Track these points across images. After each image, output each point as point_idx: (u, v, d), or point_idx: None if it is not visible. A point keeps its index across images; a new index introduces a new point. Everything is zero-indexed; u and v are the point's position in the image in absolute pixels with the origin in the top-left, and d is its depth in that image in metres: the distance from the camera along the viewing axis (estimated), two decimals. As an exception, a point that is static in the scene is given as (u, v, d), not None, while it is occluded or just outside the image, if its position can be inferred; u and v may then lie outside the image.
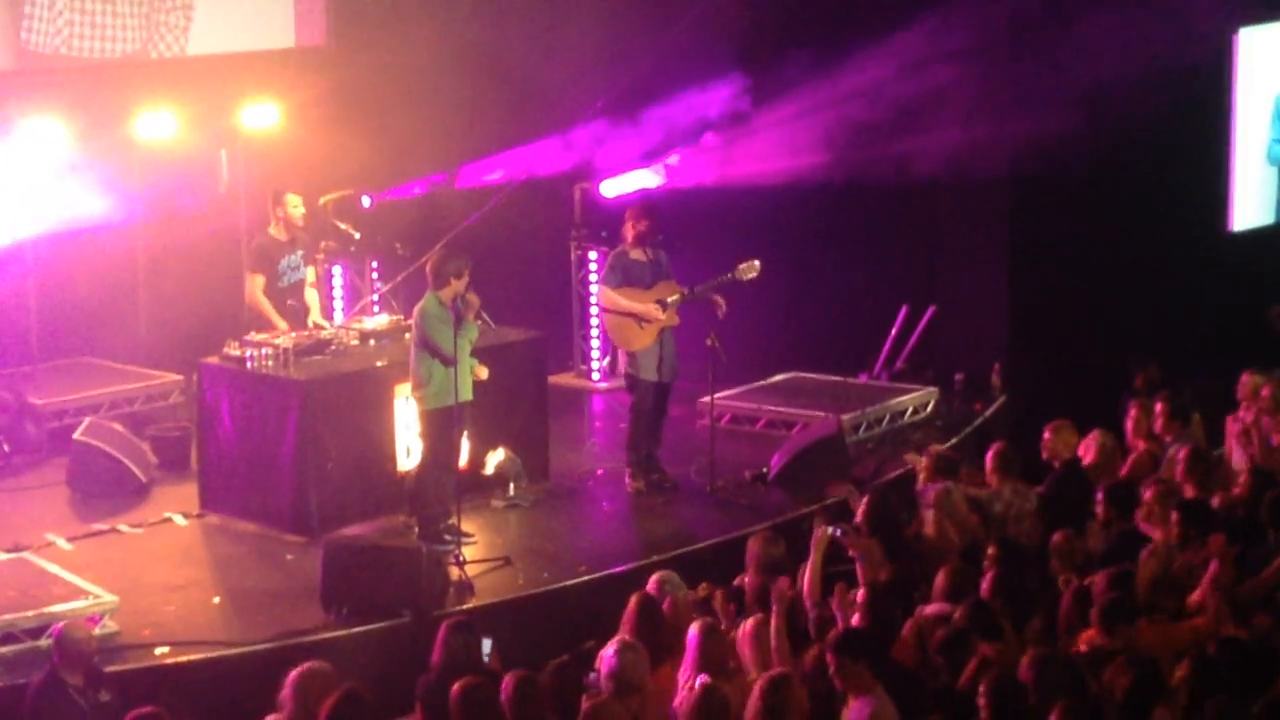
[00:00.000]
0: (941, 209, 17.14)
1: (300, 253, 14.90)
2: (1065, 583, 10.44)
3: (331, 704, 9.24)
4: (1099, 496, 11.76)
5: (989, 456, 12.63)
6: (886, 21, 16.26)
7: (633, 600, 10.43)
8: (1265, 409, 13.29)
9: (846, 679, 9.16)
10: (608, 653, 9.54)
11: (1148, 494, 11.63)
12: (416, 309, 13.26)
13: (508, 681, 9.45)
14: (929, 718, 9.20)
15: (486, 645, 10.32)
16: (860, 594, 10.42)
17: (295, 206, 14.89)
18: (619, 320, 14.38)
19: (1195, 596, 10.35)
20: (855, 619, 10.16)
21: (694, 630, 9.84)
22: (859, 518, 11.74)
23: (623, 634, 10.14)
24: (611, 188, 17.00)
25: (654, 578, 10.91)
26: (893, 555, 11.28)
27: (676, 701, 9.54)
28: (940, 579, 10.71)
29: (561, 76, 17.37)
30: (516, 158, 17.19)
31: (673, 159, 17.12)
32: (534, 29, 17.44)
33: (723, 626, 10.31)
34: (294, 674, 9.74)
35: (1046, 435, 12.94)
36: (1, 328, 16.66)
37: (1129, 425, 13.07)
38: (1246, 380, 13.65)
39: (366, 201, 16.71)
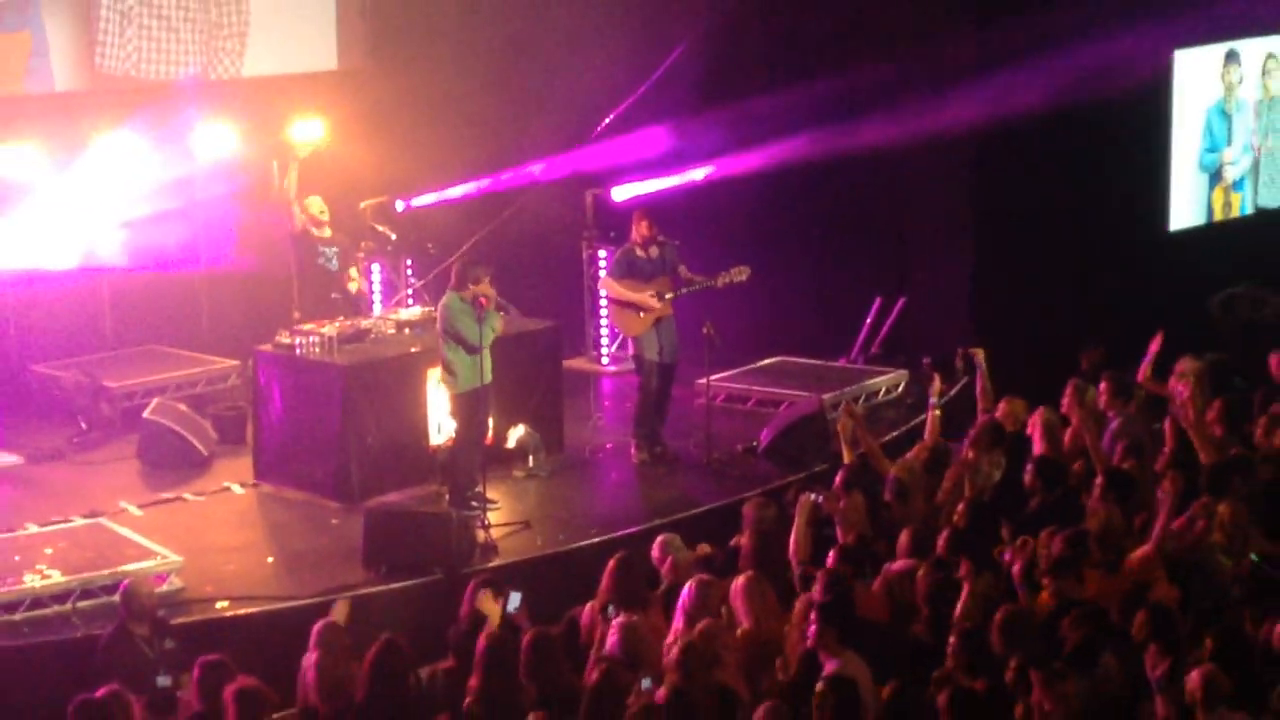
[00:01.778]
0: (912, 213, 17.14)
1: (335, 249, 15.02)
2: (1022, 545, 10.41)
3: (374, 652, 9.29)
4: (1029, 469, 11.75)
5: (972, 431, 12.61)
6: (863, 53, 16.30)
7: (612, 561, 10.42)
8: (1191, 390, 13.25)
9: (819, 641, 9.19)
10: (612, 636, 9.52)
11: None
12: (440, 305, 13.33)
13: (525, 639, 9.48)
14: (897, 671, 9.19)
15: (516, 599, 10.30)
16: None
17: (315, 207, 15.08)
18: (618, 308, 14.52)
19: (1138, 553, 10.33)
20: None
21: (690, 585, 9.84)
22: (838, 484, 11.75)
23: (602, 594, 10.16)
24: (622, 193, 16.99)
25: (658, 540, 10.94)
26: (871, 517, 11.29)
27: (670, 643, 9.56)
28: (904, 538, 10.71)
29: (576, 94, 17.33)
30: (535, 160, 17.19)
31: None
32: (551, 51, 17.39)
33: None
34: (317, 629, 9.81)
35: (1000, 409, 12.95)
36: (80, 320, 16.73)
37: (1063, 403, 13.07)
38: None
39: (400, 206, 16.69)
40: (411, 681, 9.51)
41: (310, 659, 9.67)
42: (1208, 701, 8.33)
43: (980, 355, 13.52)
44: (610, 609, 10.06)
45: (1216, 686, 8.38)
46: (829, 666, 9.05)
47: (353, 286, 15.25)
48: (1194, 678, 8.44)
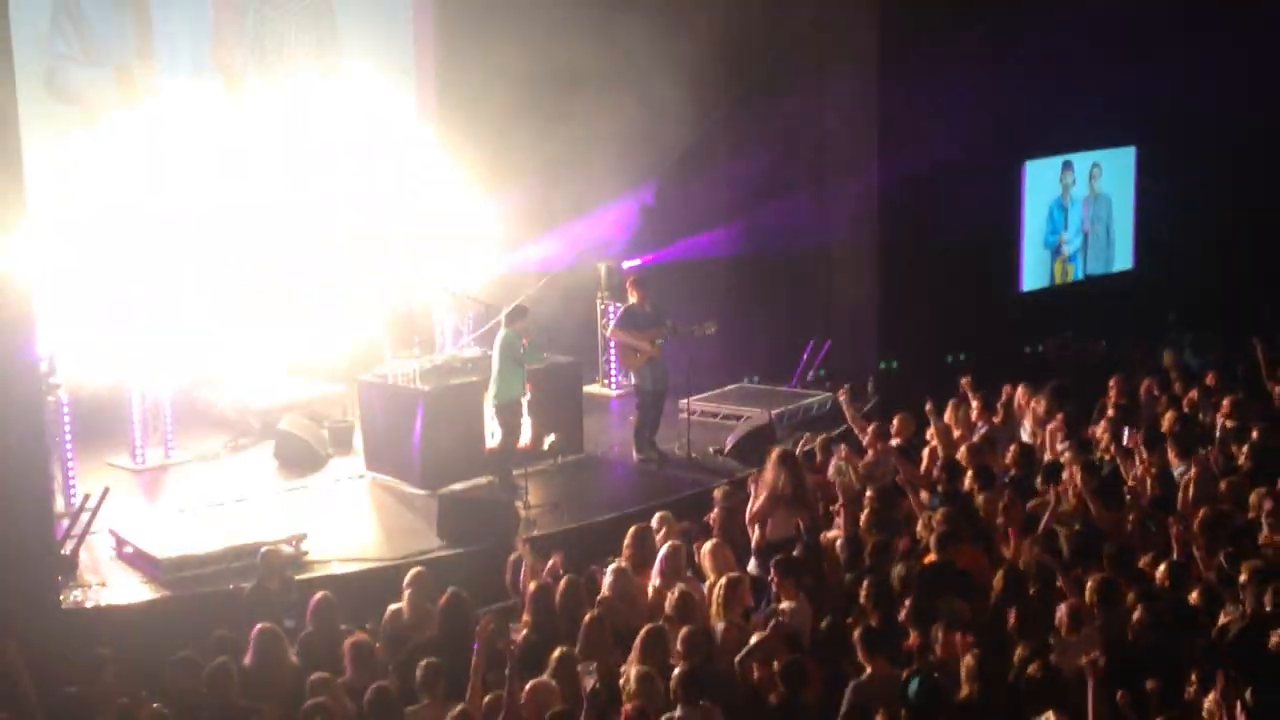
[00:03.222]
0: (835, 282, 17.18)
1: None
2: (926, 521, 10.37)
3: (444, 601, 9.26)
4: (938, 467, 11.72)
5: (870, 432, 12.61)
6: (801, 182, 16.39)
7: (630, 530, 10.46)
8: (1045, 407, 13.27)
9: (779, 587, 9.18)
10: (608, 578, 9.59)
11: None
12: (497, 338, 13.46)
13: (559, 586, 9.49)
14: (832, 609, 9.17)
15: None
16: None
17: None
18: (621, 349, 14.70)
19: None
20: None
21: (662, 551, 9.87)
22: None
23: (624, 555, 10.15)
24: (627, 263, 16.97)
25: (656, 515, 10.96)
26: (799, 499, 11.24)
27: (650, 597, 9.56)
28: (839, 512, 10.72)
29: (591, 190, 17.21)
30: (561, 240, 17.10)
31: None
32: (571, 160, 17.20)
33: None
34: (410, 575, 9.81)
35: (895, 422, 12.93)
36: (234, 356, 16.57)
37: (948, 416, 13.05)
38: (1021, 390, 13.59)
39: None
40: (471, 620, 9.49)
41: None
42: (1072, 625, 8.43)
43: (844, 395, 13.53)
44: (609, 559, 10.17)
45: (1078, 614, 8.46)
46: (785, 606, 9.05)
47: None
48: (1062, 609, 8.55)
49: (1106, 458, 11.91)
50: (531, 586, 9.60)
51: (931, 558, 9.62)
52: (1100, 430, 12.54)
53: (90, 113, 15.36)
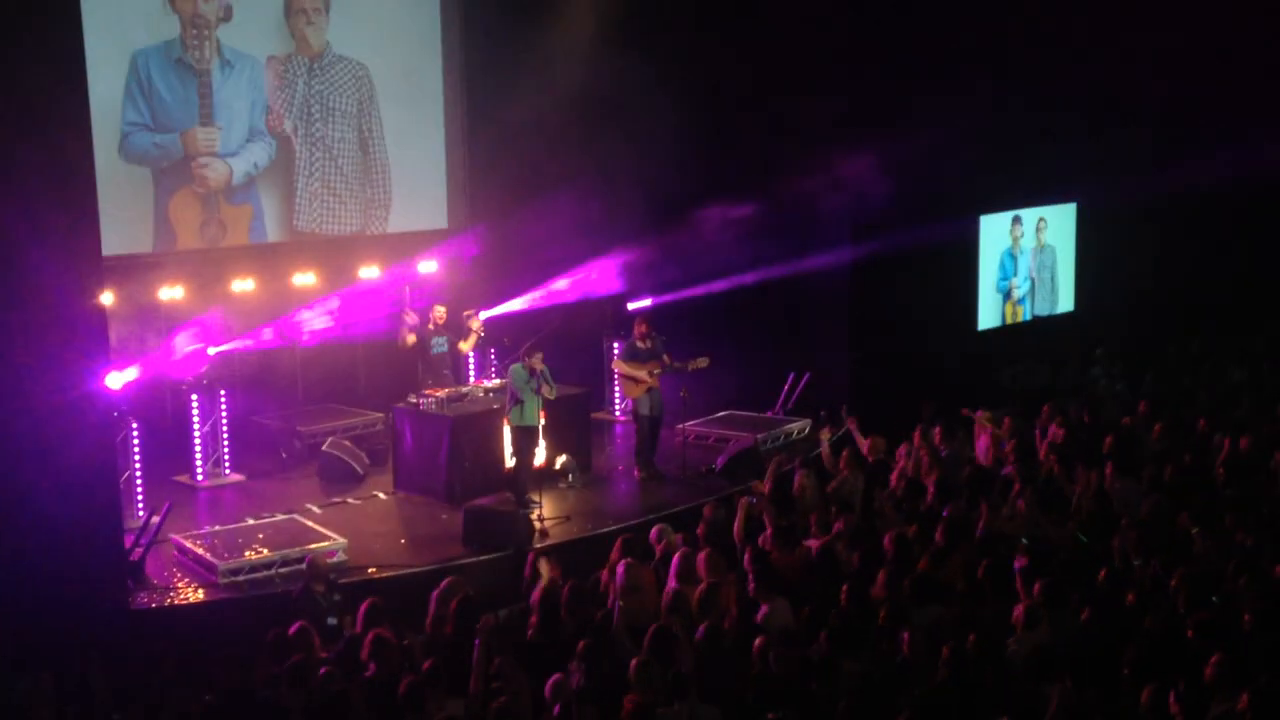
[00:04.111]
0: (813, 319, 17.19)
1: (444, 338, 15.03)
2: (896, 536, 10.32)
3: (454, 603, 9.21)
4: (901, 485, 11.70)
5: (842, 456, 12.59)
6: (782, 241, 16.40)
7: (618, 541, 10.45)
8: (1004, 430, 13.27)
9: (759, 590, 9.15)
10: (619, 573, 9.57)
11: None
12: (509, 370, 13.45)
13: (565, 589, 9.44)
14: (809, 608, 9.14)
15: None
16: (768, 533, 10.44)
17: (439, 313, 15.12)
18: (624, 379, 14.65)
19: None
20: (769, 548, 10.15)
21: (676, 557, 9.83)
22: (765, 490, 11.74)
23: (624, 558, 10.13)
24: (632, 305, 16.99)
25: (655, 528, 10.94)
26: (784, 512, 11.24)
27: (666, 599, 9.53)
28: (811, 525, 10.68)
29: (597, 242, 17.24)
30: (573, 283, 17.12)
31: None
32: (582, 210, 17.22)
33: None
34: (443, 584, 9.74)
35: (866, 444, 12.92)
36: (283, 386, 16.64)
37: (915, 438, 13.03)
38: (980, 414, 13.59)
39: (482, 315, 16.63)
40: (480, 620, 9.44)
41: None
42: (1028, 622, 8.42)
43: (824, 436, 13.57)
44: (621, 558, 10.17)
45: (1035, 614, 8.43)
46: (764, 608, 9.02)
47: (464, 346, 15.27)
48: (1016, 610, 8.52)
49: (1055, 473, 11.91)
50: (537, 592, 9.56)
51: (923, 566, 9.60)
52: (1044, 452, 12.53)
53: (157, 172, 15.50)
